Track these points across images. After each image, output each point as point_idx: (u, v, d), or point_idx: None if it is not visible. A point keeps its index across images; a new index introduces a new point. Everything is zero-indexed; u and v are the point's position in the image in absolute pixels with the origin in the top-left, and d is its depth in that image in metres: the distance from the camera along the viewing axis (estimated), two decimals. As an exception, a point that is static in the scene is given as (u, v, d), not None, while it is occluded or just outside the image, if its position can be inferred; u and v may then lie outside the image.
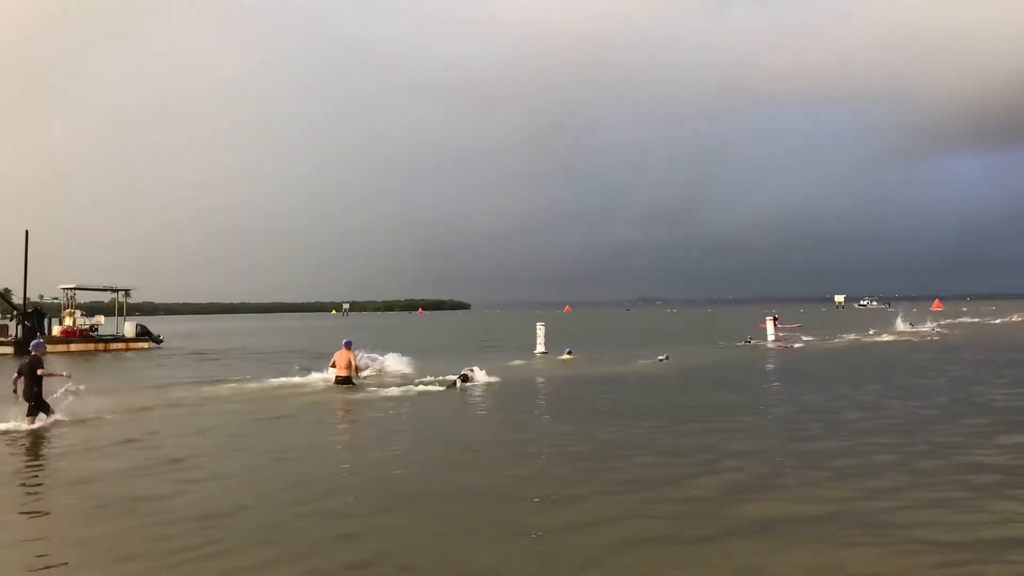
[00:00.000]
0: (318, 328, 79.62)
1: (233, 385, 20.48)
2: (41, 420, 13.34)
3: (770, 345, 34.11)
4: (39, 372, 13.47)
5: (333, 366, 19.86)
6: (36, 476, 9.72)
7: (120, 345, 41.65)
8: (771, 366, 24.24)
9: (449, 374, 20.20)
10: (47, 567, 6.13)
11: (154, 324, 54.50)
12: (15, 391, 13.41)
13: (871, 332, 40.52)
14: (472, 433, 12.57)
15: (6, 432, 12.74)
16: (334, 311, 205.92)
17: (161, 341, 44.70)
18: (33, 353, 13.82)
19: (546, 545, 6.45)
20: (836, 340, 37.43)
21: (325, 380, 20.46)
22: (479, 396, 17.43)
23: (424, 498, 8.07)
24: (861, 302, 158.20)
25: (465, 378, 19.21)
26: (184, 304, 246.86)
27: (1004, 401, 14.79)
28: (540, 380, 20.95)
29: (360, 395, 17.95)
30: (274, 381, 21.09)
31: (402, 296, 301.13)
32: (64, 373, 14.62)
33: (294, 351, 37.44)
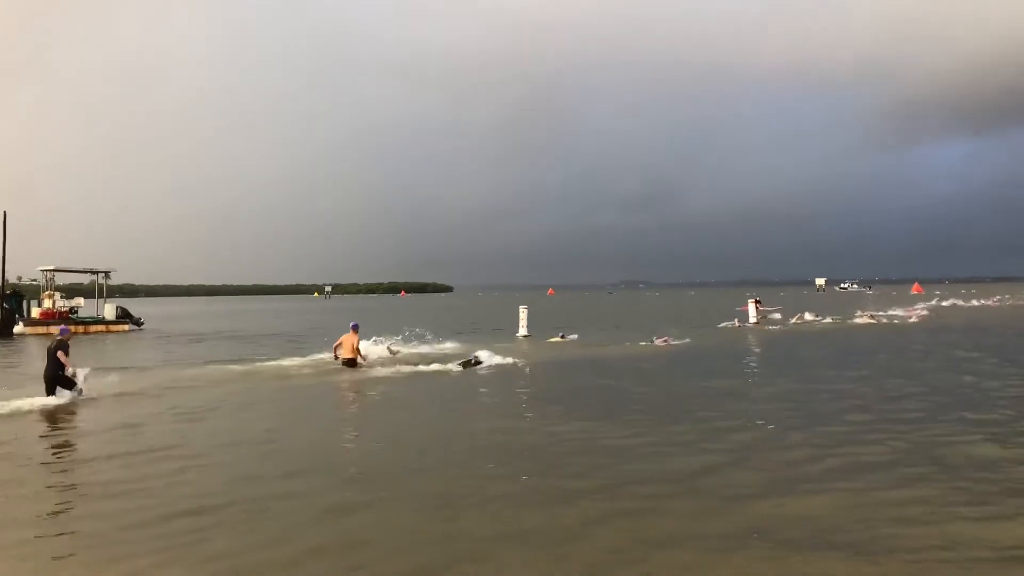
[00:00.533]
0: (301, 311, 79.23)
1: (218, 367, 20.33)
2: (58, 399, 13.99)
3: (749, 325, 35.68)
4: (58, 355, 14.16)
5: (338, 347, 19.83)
6: (39, 459, 9.61)
7: (100, 327, 41.21)
8: (761, 349, 24.46)
9: (451, 357, 20.67)
10: (50, 558, 6.03)
11: (135, 306, 54.06)
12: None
13: (857, 315, 41.13)
14: (472, 420, 12.36)
15: (11, 414, 13.01)
16: (316, 293, 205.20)
17: (142, 324, 44.36)
18: (60, 337, 14.56)
19: (545, 543, 6.32)
20: (825, 322, 38.21)
21: (315, 362, 20.63)
22: (482, 380, 17.35)
23: (423, 494, 7.92)
24: (842, 285, 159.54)
25: (473, 362, 19.41)
26: (165, 286, 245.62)
27: (1000, 391, 14.72)
28: (537, 364, 20.72)
29: (359, 377, 17.93)
30: (262, 364, 20.98)
31: (385, 279, 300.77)
32: (73, 371, 14.56)
33: (280, 334, 37.32)
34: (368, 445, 10.59)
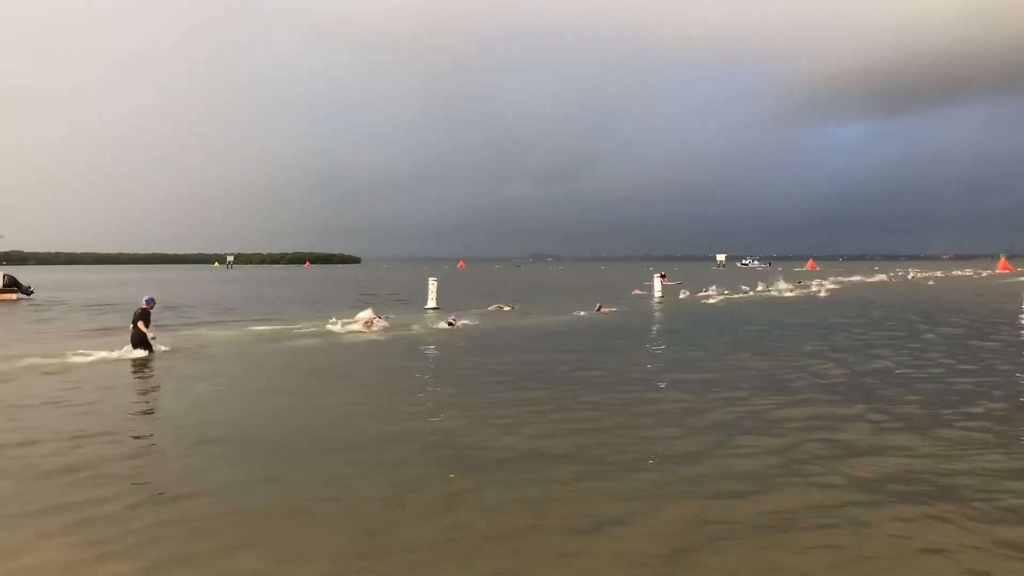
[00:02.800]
0: (202, 281, 76.59)
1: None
2: (139, 353, 16.60)
3: (656, 296, 37.81)
4: (138, 324, 16.80)
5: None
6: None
7: (-16, 296, 39.22)
8: (692, 320, 26.05)
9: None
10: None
11: (24, 274, 51.39)
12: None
13: (768, 289, 44.83)
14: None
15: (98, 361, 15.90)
16: (217, 263, 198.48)
17: (32, 292, 42.35)
18: (144, 306, 17.14)
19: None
20: (744, 295, 41.45)
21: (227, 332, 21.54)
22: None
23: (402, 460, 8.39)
24: (743, 261, 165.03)
25: (450, 323, 23.35)
26: (58, 254, 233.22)
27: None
28: (507, 329, 23.03)
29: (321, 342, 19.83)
30: (190, 333, 21.99)
31: (289, 248, 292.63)
32: (152, 335, 17.27)
33: (192, 305, 36.32)
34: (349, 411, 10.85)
